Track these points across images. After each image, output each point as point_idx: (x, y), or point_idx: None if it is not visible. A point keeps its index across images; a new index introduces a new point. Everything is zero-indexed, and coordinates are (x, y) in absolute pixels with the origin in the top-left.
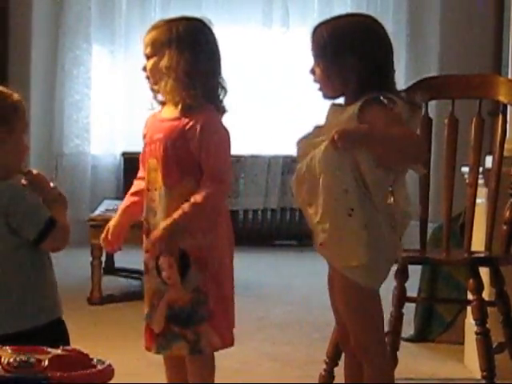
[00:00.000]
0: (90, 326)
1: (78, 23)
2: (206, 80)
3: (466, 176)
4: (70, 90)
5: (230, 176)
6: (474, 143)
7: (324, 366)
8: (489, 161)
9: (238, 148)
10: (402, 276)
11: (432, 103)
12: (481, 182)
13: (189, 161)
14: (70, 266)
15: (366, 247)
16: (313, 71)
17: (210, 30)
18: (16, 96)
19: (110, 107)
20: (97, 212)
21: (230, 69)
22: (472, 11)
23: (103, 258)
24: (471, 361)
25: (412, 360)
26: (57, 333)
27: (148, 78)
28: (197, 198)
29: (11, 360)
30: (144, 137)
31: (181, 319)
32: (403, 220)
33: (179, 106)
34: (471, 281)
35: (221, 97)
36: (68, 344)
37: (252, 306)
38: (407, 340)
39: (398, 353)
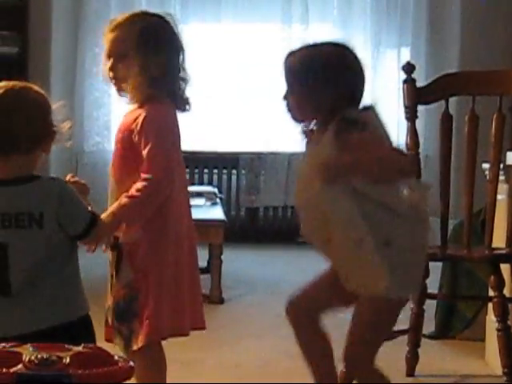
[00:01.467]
0: None
1: (97, 21)
2: (167, 75)
3: (487, 172)
4: (90, 87)
5: (168, 168)
6: (495, 139)
7: (344, 364)
8: (510, 157)
9: (258, 145)
10: (423, 272)
11: (452, 99)
12: (501, 178)
13: (134, 155)
14: (90, 262)
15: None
16: (285, 97)
17: (169, 25)
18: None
19: (129, 105)
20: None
21: (250, 66)
22: (493, 7)
23: None
24: (492, 357)
25: (433, 357)
26: (86, 329)
27: (111, 77)
28: (133, 190)
29: (32, 357)
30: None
31: (118, 314)
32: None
33: (134, 99)
34: (492, 277)
35: (182, 91)
36: (94, 341)
37: (271, 302)
38: (428, 337)
39: (419, 350)
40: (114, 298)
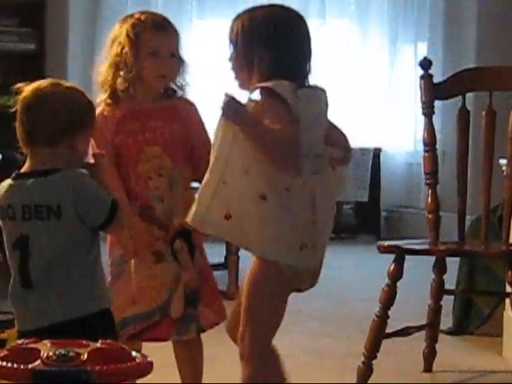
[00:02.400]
0: None
1: (114, 17)
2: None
3: (504, 168)
4: None
5: None
6: None
7: (362, 359)
8: None
9: None
10: (440, 268)
11: (469, 95)
12: None
13: (188, 144)
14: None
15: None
16: (230, 59)
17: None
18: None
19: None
20: None
21: None
22: (509, 2)
23: None
24: (510, 353)
25: (450, 352)
26: (106, 322)
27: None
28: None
29: (50, 353)
30: (116, 128)
31: (192, 301)
32: None
33: (161, 93)
34: (509, 273)
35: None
36: (115, 335)
37: (290, 298)
38: (446, 332)
39: (436, 345)
40: (187, 285)
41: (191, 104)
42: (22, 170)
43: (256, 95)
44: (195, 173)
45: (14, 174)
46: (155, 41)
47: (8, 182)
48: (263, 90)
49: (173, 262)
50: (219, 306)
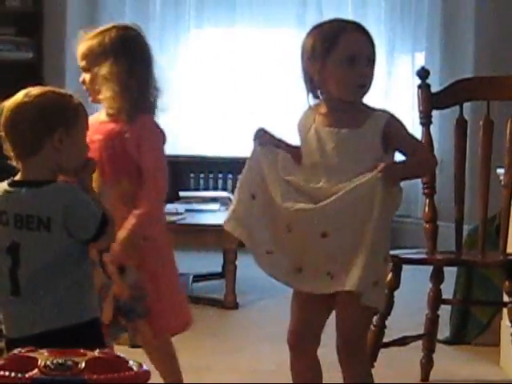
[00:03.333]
0: None
1: None
2: (141, 84)
3: (502, 177)
4: None
5: (165, 173)
6: (510, 144)
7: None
8: None
9: None
10: (438, 278)
11: (467, 105)
12: None
13: (125, 161)
14: None
15: None
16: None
17: (140, 35)
18: (76, 98)
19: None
20: None
21: (264, 72)
22: (506, 12)
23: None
24: (507, 363)
25: (448, 362)
26: (94, 332)
27: (88, 90)
28: (142, 204)
29: (48, 362)
30: None
31: (124, 312)
32: None
33: (118, 110)
34: (507, 283)
35: (154, 98)
36: (103, 344)
37: (286, 307)
38: (443, 342)
39: (433, 355)
40: (116, 297)
41: (142, 122)
42: (17, 178)
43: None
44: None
45: (9, 180)
46: None
47: (3, 187)
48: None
49: (101, 271)
50: (161, 328)
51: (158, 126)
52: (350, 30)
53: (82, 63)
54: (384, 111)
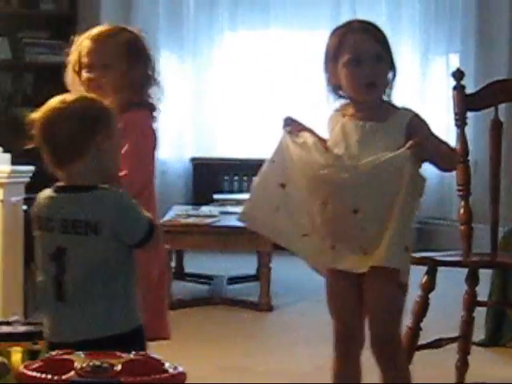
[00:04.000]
0: None
1: (146, 29)
2: (145, 85)
3: None
4: None
5: (140, 168)
6: None
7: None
8: None
9: None
10: (473, 280)
11: (502, 106)
12: None
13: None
14: None
15: None
16: (375, 71)
17: (140, 35)
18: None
19: (178, 112)
20: (166, 217)
21: (299, 73)
22: None
23: (173, 263)
24: None
25: (482, 364)
26: (138, 340)
27: (92, 88)
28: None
29: (84, 365)
30: None
31: None
32: None
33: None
34: None
35: (156, 99)
36: (144, 350)
37: (320, 310)
38: (478, 344)
39: (468, 357)
40: None
41: (131, 119)
42: (60, 184)
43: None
44: None
45: (54, 187)
46: None
47: (48, 193)
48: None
49: None
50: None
51: (148, 124)
52: (352, 31)
53: (86, 60)
54: (408, 109)
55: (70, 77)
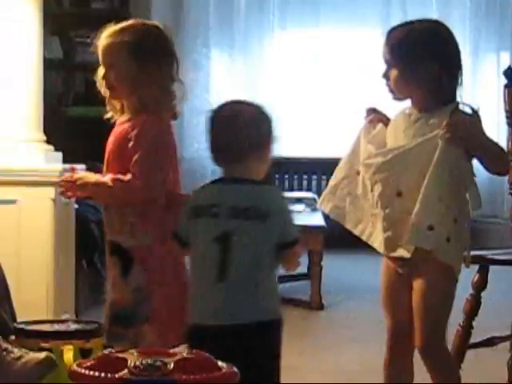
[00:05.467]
0: None
1: (196, 28)
2: (158, 85)
3: None
4: (189, 94)
5: (150, 177)
6: None
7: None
8: None
9: None
10: None
11: None
12: None
13: (129, 162)
14: None
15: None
16: (385, 76)
17: (164, 35)
18: None
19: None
20: None
21: (348, 71)
22: None
23: None
24: None
25: None
26: (276, 332)
27: (104, 86)
28: (118, 176)
29: (137, 363)
30: None
31: (122, 320)
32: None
33: (130, 110)
34: None
35: (175, 101)
36: (279, 347)
37: (371, 308)
38: None
39: None
40: (119, 303)
41: (144, 123)
42: (226, 176)
43: (447, 110)
44: None
45: (216, 179)
46: None
47: (214, 184)
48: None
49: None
50: (168, 332)
51: (161, 130)
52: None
53: (101, 59)
54: (462, 105)
55: (99, 75)
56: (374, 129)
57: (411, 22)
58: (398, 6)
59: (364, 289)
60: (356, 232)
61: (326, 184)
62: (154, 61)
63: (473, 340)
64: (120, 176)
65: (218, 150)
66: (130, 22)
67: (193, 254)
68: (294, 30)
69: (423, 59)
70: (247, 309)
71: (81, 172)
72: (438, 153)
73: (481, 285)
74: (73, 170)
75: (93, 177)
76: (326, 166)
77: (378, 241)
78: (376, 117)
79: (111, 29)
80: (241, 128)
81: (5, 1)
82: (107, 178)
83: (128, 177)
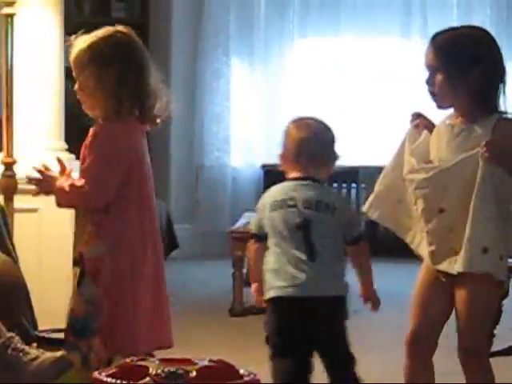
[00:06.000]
0: (232, 338)
1: (217, 36)
2: (122, 91)
3: None
4: (210, 102)
5: (96, 186)
6: None
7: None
8: None
9: (378, 159)
10: None
11: None
12: None
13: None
14: (212, 277)
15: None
16: (429, 82)
17: (124, 41)
18: None
19: (249, 119)
20: (238, 224)
21: (368, 80)
22: None
23: (244, 270)
24: None
25: None
26: (346, 309)
27: (80, 97)
28: (74, 181)
29: (159, 371)
30: None
31: (75, 330)
32: None
33: (97, 116)
34: None
35: (147, 107)
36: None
37: (393, 316)
38: None
39: None
40: (72, 312)
41: (96, 129)
42: (293, 176)
43: (491, 120)
44: None
45: (288, 178)
46: None
47: (288, 182)
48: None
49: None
50: (122, 345)
51: (109, 134)
52: None
53: (73, 71)
54: (503, 113)
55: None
56: (418, 135)
57: (458, 28)
58: (418, 14)
59: (385, 296)
60: (406, 240)
61: (347, 192)
62: (109, 69)
63: (494, 348)
64: (77, 182)
65: (305, 156)
66: (96, 32)
67: (275, 241)
68: (314, 39)
69: (471, 64)
70: (332, 284)
71: (53, 172)
72: (480, 172)
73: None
74: (60, 162)
75: (61, 179)
76: (346, 175)
77: (424, 252)
78: (422, 121)
79: (78, 40)
80: (326, 141)
81: (27, 12)
82: (67, 183)
83: (81, 182)
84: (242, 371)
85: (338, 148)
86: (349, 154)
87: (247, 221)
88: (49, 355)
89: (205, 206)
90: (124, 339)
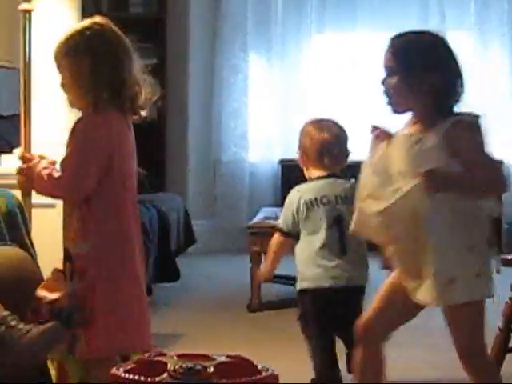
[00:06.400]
0: (250, 333)
1: (234, 32)
2: (96, 83)
3: None
4: (227, 98)
5: (72, 177)
6: None
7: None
8: None
9: None
10: None
11: None
12: None
13: None
14: (230, 272)
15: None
16: (384, 82)
17: (107, 30)
18: None
19: (267, 115)
20: (255, 219)
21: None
22: None
23: (262, 265)
24: None
25: None
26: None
27: (63, 92)
28: (48, 174)
29: (177, 367)
30: None
31: (60, 318)
32: None
33: (79, 109)
34: None
35: (128, 97)
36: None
37: None
38: None
39: None
40: (58, 302)
41: (79, 121)
42: (318, 175)
43: (444, 125)
44: None
45: (315, 178)
46: None
47: (314, 182)
48: (465, 123)
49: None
50: (100, 342)
51: (86, 126)
52: None
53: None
54: (463, 115)
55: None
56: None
57: (416, 32)
58: (435, 9)
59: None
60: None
61: None
62: (83, 61)
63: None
64: (55, 173)
65: (328, 156)
66: (75, 25)
67: (310, 236)
68: (332, 34)
69: (427, 68)
70: (360, 275)
71: (35, 162)
72: (428, 202)
73: None
74: (42, 158)
75: (43, 167)
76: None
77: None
78: (381, 132)
79: (59, 38)
80: (344, 142)
81: (44, 8)
82: (46, 171)
83: (58, 174)
84: (260, 367)
85: (355, 144)
86: (364, 149)
87: (265, 216)
88: (41, 327)
89: (222, 202)
90: (107, 339)
